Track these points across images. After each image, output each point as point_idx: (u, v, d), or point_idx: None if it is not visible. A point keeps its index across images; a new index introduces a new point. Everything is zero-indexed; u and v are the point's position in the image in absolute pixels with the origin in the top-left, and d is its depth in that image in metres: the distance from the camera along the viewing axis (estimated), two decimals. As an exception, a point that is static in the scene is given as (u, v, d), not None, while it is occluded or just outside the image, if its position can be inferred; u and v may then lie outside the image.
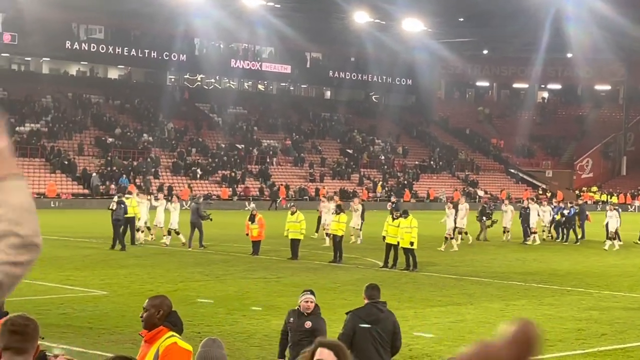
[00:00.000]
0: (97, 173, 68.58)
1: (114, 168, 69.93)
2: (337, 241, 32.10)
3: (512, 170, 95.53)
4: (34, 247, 2.71)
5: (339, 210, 33.51)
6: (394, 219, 30.47)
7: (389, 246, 30.52)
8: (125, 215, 35.24)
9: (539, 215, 43.98)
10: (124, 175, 68.94)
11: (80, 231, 34.89)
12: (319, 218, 42.12)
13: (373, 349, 11.06)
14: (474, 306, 22.41)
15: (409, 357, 16.17)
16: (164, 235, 36.60)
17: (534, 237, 42.68)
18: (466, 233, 40.89)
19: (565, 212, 44.43)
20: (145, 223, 37.34)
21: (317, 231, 41.82)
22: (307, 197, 73.89)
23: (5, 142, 2.72)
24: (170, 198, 38.99)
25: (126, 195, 38.52)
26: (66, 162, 68.61)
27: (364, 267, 30.67)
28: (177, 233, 36.07)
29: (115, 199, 35.69)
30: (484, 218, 43.74)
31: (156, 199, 39.20)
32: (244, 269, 28.68)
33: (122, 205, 34.61)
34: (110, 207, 35.32)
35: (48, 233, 36.36)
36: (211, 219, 36.57)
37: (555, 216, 44.65)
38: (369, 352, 11.07)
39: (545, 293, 25.31)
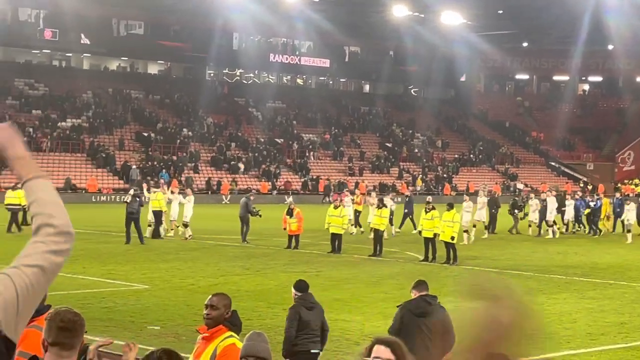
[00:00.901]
0: (138, 167, 69.00)
1: (154, 163, 70.35)
2: (378, 235, 32.05)
3: (553, 163, 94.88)
4: (68, 235, 2.99)
5: (381, 204, 33.39)
6: (426, 212, 30.56)
7: (426, 240, 30.52)
8: (153, 209, 35.64)
9: (561, 208, 43.59)
10: (164, 170, 69.34)
11: (121, 225, 35.06)
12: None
13: (420, 341, 11.02)
14: (515, 300, 22.28)
15: (450, 350, 16.12)
16: (175, 227, 36.80)
17: (551, 230, 41.99)
18: (486, 227, 40.42)
19: (592, 204, 44.06)
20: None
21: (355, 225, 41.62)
22: (348, 190, 73.72)
23: (25, 150, 3.08)
24: (184, 191, 38.68)
25: (153, 189, 38.76)
26: (107, 157, 69.08)
27: (404, 261, 30.63)
28: (185, 225, 36.06)
29: (131, 192, 35.62)
30: (516, 211, 43.52)
31: (172, 192, 38.91)
32: (284, 263, 28.75)
33: (137, 199, 34.29)
34: (125, 200, 35.37)
35: (89, 227, 36.68)
36: (260, 215, 36.46)
37: (583, 210, 44.39)
38: (415, 344, 10.89)
39: (586, 286, 25.13)
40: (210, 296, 8.17)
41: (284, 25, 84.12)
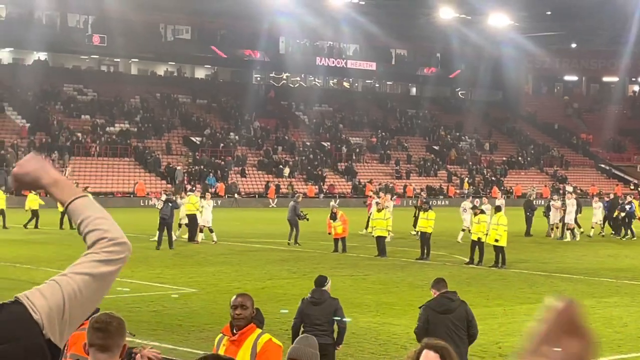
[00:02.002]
0: (186, 172, 69.39)
1: (202, 167, 70.66)
2: (425, 238, 31.87)
3: (602, 165, 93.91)
4: (125, 245, 3.10)
5: (427, 206, 33.23)
6: (475, 215, 30.47)
7: (473, 242, 30.37)
8: (188, 213, 35.66)
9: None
10: (211, 174, 69.63)
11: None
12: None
13: (449, 338, 11.01)
14: (565, 303, 22.04)
15: (498, 354, 15.99)
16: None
17: (568, 233, 41.12)
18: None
19: (627, 207, 43.41)
20: (184, 224, 37.17)
21: (366, 228, 41.16)
22: (396, 194, 73.72)
23: (58, 174, 3.13)
24: (203, 195, 38.50)
25: (188, 193, 38.91)
26: (153, 161, 69.50)
27: (452, 264, 30.45)
28: (201, 230, 36.01)
29: (163, 197, 35.72)
30: (551, 213, 43.11)
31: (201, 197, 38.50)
32: (331, 266, 28.67)
33: (170, 204, 34.23)
34: (156, 206, 35.42)
35: (137, 232, 36.87)
36: (308, 219, 36.63)
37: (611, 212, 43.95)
38: (442, 340, 11.01)
39: (637, 290, 24.79)
40: (235, 297, 8.19)
41: (330, 29, 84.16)
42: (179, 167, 68.82)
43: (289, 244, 35.52)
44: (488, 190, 78.23)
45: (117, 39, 74.87)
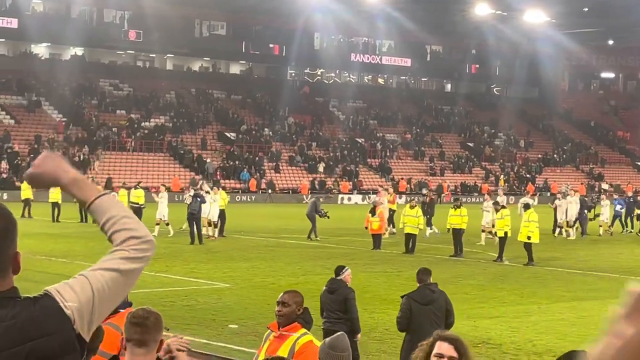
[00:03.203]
0: (219, 167, 69.62)
1: (236, 162, 70.85)
2: (459, 235, 31.77)
3: (639, 164, 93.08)
4: (151, 242, 3.09)
5: (459, 204, 33.14)
6: (496, 211, 30.50)
7: (501, 239, 30.34)
8: (218, 207, 35.57)
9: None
10: (245, 170, 69.81)
11: (203, 224, 35.34)
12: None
13: (431, 328, 11.42)
14: (600, 302, 21.90)
15: (533, 352, 15.91)
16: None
17: (567, 230, 40.39)
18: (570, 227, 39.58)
19: None
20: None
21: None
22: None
23: (77, 172, 3.12)
24: (210, 191, 38.24)
25: (214, 189, 38.97)
26: (187, 156, 69.77)
27: (485, 261, 30.31)
28: (214, 225, 35.94)
29: (191, 192, 35.68)
30: (585, 211, 42.68)
31: (207, 192, 38.17)
32: (364, 263, 28.65)
33: (198, 199, 34.12)
34: (185, 201, 35.47)
35: (173, 226, 36.98)
36: (328, 217, 36.75)
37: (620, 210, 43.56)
38: (425, 330, 11.64)
39: (674, 289, 24.53)
40: (282, 293, 8.19)
41: (365, 25, 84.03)
42: (208, 160, 69.06)
43: (310, 239, 35.65)
44: (523, 188, 77.82)
45: (153, 34, 75.23)
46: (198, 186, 41.89)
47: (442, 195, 68.78)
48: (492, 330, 17.75)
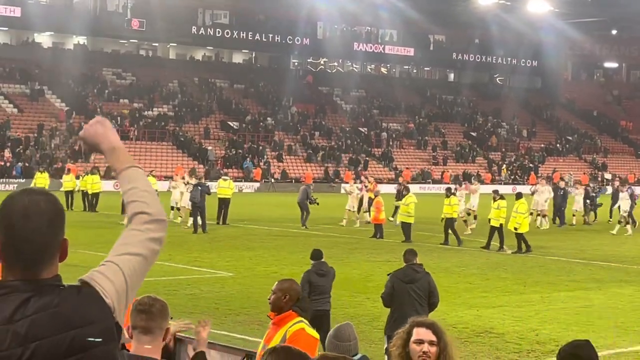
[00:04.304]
0: (223, 156, 69.63)
1: (238, 151, 70.85)
2: (448, 224, 31.93)
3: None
4: (162, 223, 3.16)
5: (449, 193, 33.28)
6: (494, 200, 30.57)
7: (492, 229, 30.52)
8: (219, 196, 35.77)
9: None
10: (248, 159, 69.81)
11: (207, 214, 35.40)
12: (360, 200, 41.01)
13: (411, 305, 12.73)
14: (603, 291, 21.93)
15: (536, 342, 15.93)
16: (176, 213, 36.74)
17: (542, 220, 39.79)
18: (475, 217, 38.72)
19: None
20: (176, 204, 37.14)
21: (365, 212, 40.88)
22: (430, 180, 73.64)
23: (119, 141, 3.23)
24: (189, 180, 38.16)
25: (223, 177, 39.39)
26: (187, 143, 69.77)
27: (489, 251, 30.30)
28: (180, 210, 35.94)
29: (193, 181, 35.75)
30: (588, 201, 42.66)
31: (182, 179, 38.06)
32: (368, 252, 28.69)
33: (199, 188, 34.07)
34: (188, 190, 35.55)
35: (177, 215, 37.01)
36: (318, 203, 37.07)
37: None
38: (406, 307, 12.68)
39: (677, 279, 24.56)
40: None
41: (368, 14, 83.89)
42: (210, 148, 69.12)
43: (304, 226, 35.79)
44: (526, 177, 77.81)
45: (156, 23, 75.15)
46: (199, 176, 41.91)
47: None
48: (495, 320, 17.77)
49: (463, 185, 43.20)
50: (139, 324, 5.18)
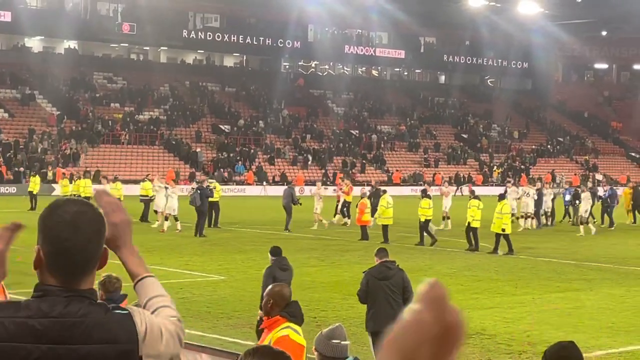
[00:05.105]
0: (213, 161, 69.59)
1: (230, 154, 70.82)
2: (422, 225, 32.12)
3: (633, 154, 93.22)
4: (180, 324, 3.25)
5: (423, 194, 33.35)
6: (470, 199, 30.89)
7: (466, 229, 30.64)
8: (210, 199, 35.63)
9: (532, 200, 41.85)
10: (240, 162, 69.80)
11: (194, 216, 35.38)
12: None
13: (385, 301, 13.13)
14: (594, 292, 21.99)
15: (527, 343, 15.97)
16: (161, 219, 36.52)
17: (525, 221, 39.88)
18: (448, 218, 38.57)
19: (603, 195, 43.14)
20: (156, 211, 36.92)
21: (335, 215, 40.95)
22: (422, 182, 73.65)
23: (133, 245, 3.27)
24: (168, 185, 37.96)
25: (209, 181, 39.61)
26: (178, 147, 69.73)
27: (480, 253, 30.34)
28: (166, 219, 35.61)
29: (193, 185, 35.83)
30: (577, 202, 42.57)
31: (164, 185, 38.05)
32: (359, 255, 28.68)
33: (199, 192, 34.11)
34: (189, 194, 35.60)
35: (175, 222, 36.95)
36: (300, 204, 37.17)
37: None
38: (381, 303, 13.15)
39: (668, 279, 24.63)
40: None
41: (358, 17, 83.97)
42: (199, 150, 69.08)
43: (288, 231, 35.71)
44: (517, 179, 77.85)
45: (147, 27, 75.13)
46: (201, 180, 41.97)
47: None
48: (486, 321, 17.80)
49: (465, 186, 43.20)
50: None
